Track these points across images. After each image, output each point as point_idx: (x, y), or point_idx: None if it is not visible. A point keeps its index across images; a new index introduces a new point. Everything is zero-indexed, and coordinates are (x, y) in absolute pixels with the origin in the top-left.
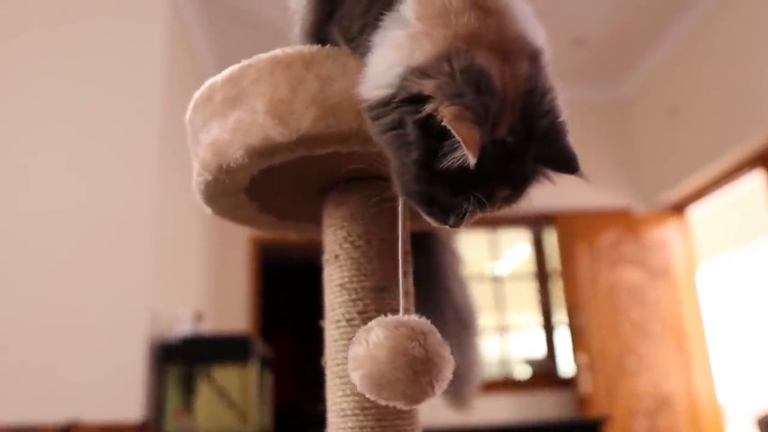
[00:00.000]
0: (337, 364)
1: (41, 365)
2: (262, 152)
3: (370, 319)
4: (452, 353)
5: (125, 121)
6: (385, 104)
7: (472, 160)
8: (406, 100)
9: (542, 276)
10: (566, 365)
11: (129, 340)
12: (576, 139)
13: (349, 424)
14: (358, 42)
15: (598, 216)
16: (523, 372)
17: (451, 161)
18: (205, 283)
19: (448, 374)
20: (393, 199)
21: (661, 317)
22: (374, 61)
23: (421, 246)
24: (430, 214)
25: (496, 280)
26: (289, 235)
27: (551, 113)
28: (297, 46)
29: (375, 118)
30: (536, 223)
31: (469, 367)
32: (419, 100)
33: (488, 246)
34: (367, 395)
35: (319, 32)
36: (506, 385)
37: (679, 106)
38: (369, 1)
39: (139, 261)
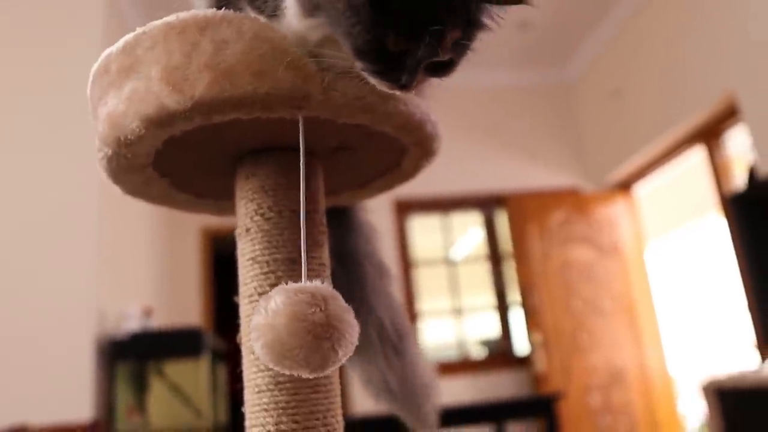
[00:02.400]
0: (250, 340)
1: None
2: (158, 121)
3: None
4: (393, 360)
5: (62, 113)
6: None
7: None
8: None
9: (495, 258)
10: (521, 344)
11: (75, 338)
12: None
13: (264, 400)
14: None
15: (548, 196)
16: (479, 353)
17: None
18: (155, 277)
19: (351, 339)
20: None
21: (612, 294)
22: None
23: (337, 222)
24: (382, 74)
25: (450, 263)
26: (208, 213)
27: None
28: (192, 11)
29: None
30: (487, 205)
31: (417, 380)
32: None
33: (441, 230)
34: (271, 366)
35: (219, 4)
36: (463, 366)
37: (622, 87)
38: None
39: (83, 257)
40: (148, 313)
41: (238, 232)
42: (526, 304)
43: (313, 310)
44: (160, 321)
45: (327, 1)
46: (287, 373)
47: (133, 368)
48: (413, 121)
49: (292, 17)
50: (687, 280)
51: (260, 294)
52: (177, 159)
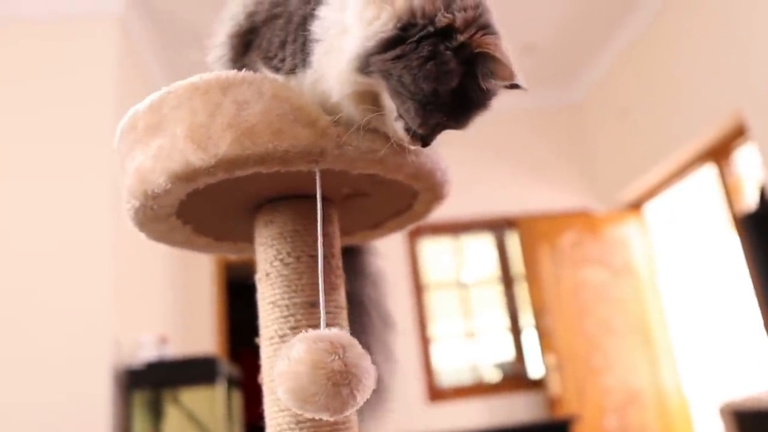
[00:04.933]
0: (272, 381)
1: (5, 396)
2: (184, 177)
3: None
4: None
5: (79, 145)
6: (397, 42)
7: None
8: (432, 35)
9: (507, 280)
10: (535, 367)
11: (93, 368)
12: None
13: None
14: (281, 57)
15: (559, 217)
16: (493, 376)
17: (497, 88)
18: (170, 306)
19: (369, 384)
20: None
21: (625, 314)
22: (342, 21)
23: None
24: (415, 137)
25: (462, 286)
26: (227, 254)
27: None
28: (215, 72)
29: (396, 57)
30: (498, 227)
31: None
32: (443, 32)
33: (453, 253)
34: (293, 409)
35: (235, 66)
36: (477, 389)
37: (630, 106)
38: (287, 16)
39: (99, 287)
40: (163, 341)
41: (258, 276)
42: (539, 326)
43: (332, 357)
44: (175, 349)
45: (392, 73)
46: (309, 416)
47: (150, 396)
48: (424, 170)
49: (332, 67)
50: (700, 299)
51: (281, 336)
52: (199, 207)
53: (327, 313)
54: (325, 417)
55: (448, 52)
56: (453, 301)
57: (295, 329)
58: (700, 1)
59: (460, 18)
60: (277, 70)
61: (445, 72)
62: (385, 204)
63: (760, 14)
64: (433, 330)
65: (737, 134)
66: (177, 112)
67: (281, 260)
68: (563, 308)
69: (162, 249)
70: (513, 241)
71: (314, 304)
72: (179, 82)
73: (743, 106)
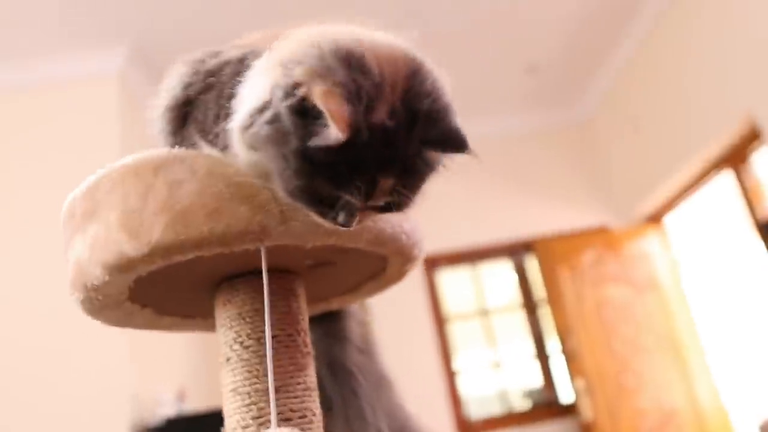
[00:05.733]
0: None
1: None
2: (119, 267)
3: (266, 423)
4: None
5: None
6: (261, 110)
7: (340, 136)
8: (283, 96)
9: (529, 305)
10: (565, 392)
11: (111, 425)
12: (544, 165)
13: None
14: (215, 132)
15: (576, 237)
16: (523, 404)
17: (324, 142)
18: (190, 359)
19: None
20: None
21: (654, 331)
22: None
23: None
24: (318, 212)
25: (484, 314)
26: (199, 330)
27: (435, 94)
28: (147, 151)
29: (250, 125)
30: (516, 252)
31: (406, 426)
32: (288, 94)
33: (472, 282)
34: None
35: (176, 139)
36: (508, 419)
37: (640, 117)
38: (220, 87)
39: (117, 342)
40: (181, 397)
41: (220, 361)
42: (565, 350)
43: None
44: (195, 403)
45: (261, 144)
46: None
47: None
48: (385, 236)
49: (237, 151)
50: (731, 308)
51: (243, 428)
52: (154, 291)
53: (294, 397)
54: None
55: (285, 110)
56: (476, 330)
57: (258, 419)
58: (704, 3)
59: (298, 72)
60: (213, 145)
61: (282, 132)
62: (355, 270)
63: None
64: (458, 361)
65: (752, 138)
66: (110, 197)
67: (240, 343)
68: (588, 329)
69: None
70: (532, 265)
71: (279, 390)
72: (114, 164)
73: (756, 108)
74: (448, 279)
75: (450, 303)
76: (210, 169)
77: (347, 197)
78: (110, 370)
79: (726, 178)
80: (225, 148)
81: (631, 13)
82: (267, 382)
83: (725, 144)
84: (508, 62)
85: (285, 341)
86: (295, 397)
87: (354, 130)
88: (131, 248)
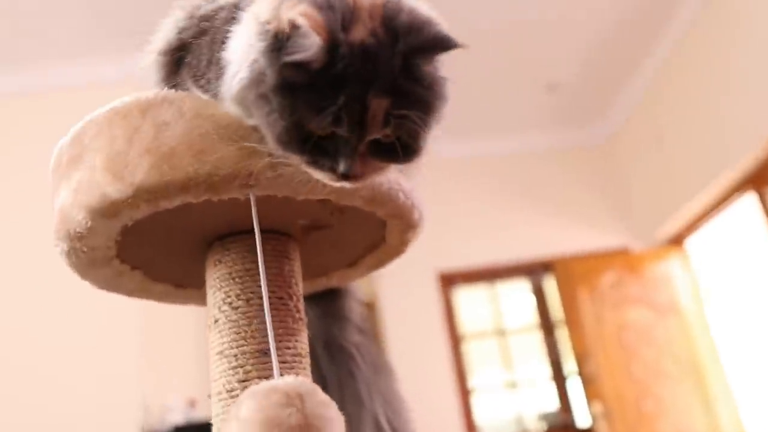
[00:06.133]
0: None
1: None
2: (103, 212)
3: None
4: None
5: None
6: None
7: (317, 41)
8: (256, 41)
9: (547, 326)
10: (582, 416)
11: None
12: (565, 184)
13: None
14: (207, 77)
15: (596, 258)
16: (538, 427)
17: (302, 54)
18: (200, 366)
19: None
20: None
21: (675, 355)
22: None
23: (324, 312)
24: (314, 162)
25: (501, 334)
26: (193, 304)
27: (414, 12)
28: (134, 94)
29: (235, 87)
30: (534, 272)
31: (402, 418)
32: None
33: (489, 301)
34: None
35: (168, 84)
36: None
37: (662, 139)
38: (213, 32)
39: (126, 350)
40: (191, 404)
41: (207, 324)
42: (583, 373)
43: (288, 411)
44: (205, 411)
45: (243, 94)
46: None
47: None
48: (381, 192)
49: (229, 107)
50: (755, 334)
51: (228, 392)
52: (144, 249)
53: (283, 362)
54: None
55: (259, 52)
56: (492, 350)
57: (245, 382)
58: (728, 23)
59: (266, 12)
60: (205, 91)
61: (260, 72)
62: (353, 237)
63: None
64: (473, 381)
65: None
66: (96, 142)
67: (230, 304)
68: (608, 352)
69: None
70: (550, 285)
71: (267, 353)
72: (101, 108)
73: None
74: (465, 297)
75: (466, 322)
76: (198, 111)
77: (340, 131)
78: (121, 377)
79: (749, 200)
80: (216, 95)
81: (653, 33)
82: (254, 344)
83: (748, 166)
84: (529, 80)
85: (276, 304)
86: (285, 362)
87: (331, 40)
88: (115, 190)
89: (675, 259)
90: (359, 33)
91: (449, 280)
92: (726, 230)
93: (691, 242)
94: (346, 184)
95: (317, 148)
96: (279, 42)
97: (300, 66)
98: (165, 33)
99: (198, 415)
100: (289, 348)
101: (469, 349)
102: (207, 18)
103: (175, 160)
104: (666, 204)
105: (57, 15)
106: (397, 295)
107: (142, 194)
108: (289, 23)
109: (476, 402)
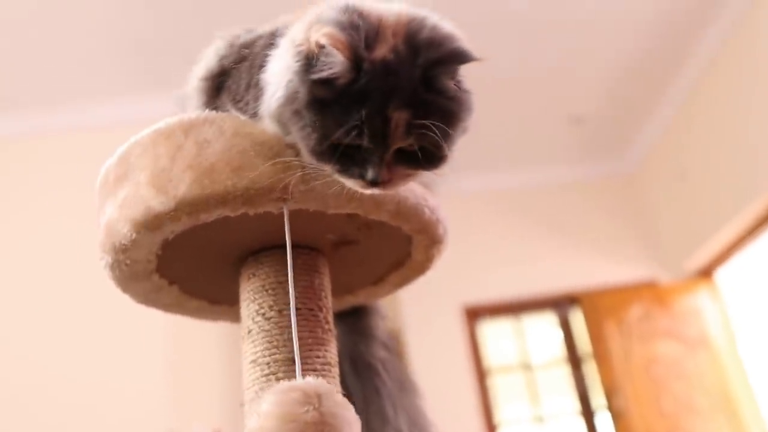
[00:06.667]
0: None
1: None
2: (146, 224)
3: None
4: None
5: None
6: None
7: (341, 60)
8: (292, 63)
9: (574, 360)
10: None
11: None
12: (590, 216)
13: None
14: (246, 99)
15: (624, 291)
16: None
17: (327, 71)
18: (228, 395)
19: None
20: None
21: (706, 390)
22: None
23: (351, 329)
24: (344, 171)
25: (527, 368)
26: (226, 320)
27: (435, 30)
28: (177, 116)
29: (273, 106)
30: (561, 305)
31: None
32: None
33: (514, 335)
34: None
35: (209, 108)
36: None
37: (688, 169)
38: (252, 58)
39: (152, 379)
40: None
41: (241, 335)
42: (611, 408)
43: (305, 409)
44: None
45: (280, 111)
46: None
47: None
48: (407, 206)
49: (267, 125)
50: None
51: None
52: (182, 264)
53: (312, 370)
54: None
55: (293, 72)
56: (518, 385)
57: None
58: (752, 52)
59: (300, 35)
60: (244, 112)
61: (294, 90)
62: (380, 254)
63: None
64: (499, 416)
65: None
66: (141, 160)
67: (263, 315)
68: (636, 387)
69: (217, 336)
70: (577, 319)
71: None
72: (145, 129)
73: None
74: (490, 331)
75: (491, 355)
76: (237, 130)
77: (364, 143)
78: (147, 405)
79: None
80: (254, 115)
81: (677, 65)
82: (286, 352)
83: None
84: (554, 113)
85: (306, 315)
86: (314, 370)
87: (354, 58)
88: (158, 203)
89: (704, 291)
90: (382, 50)
91: (474, 314)
92: (756, 261)
93: (721, 274)
94: (375, 191)
95: (347, 158)
96: (308, 62)
97: (327, 83)
98: (206, 61)
99: None
100: (318, 357)
101: (494, 383)
102: (247, 46)
103: (215, 174)
104: (694, 235)
105: (89, 53)
106: (421, 328)
107: (184, 207)
108: (316, 44)
109: None
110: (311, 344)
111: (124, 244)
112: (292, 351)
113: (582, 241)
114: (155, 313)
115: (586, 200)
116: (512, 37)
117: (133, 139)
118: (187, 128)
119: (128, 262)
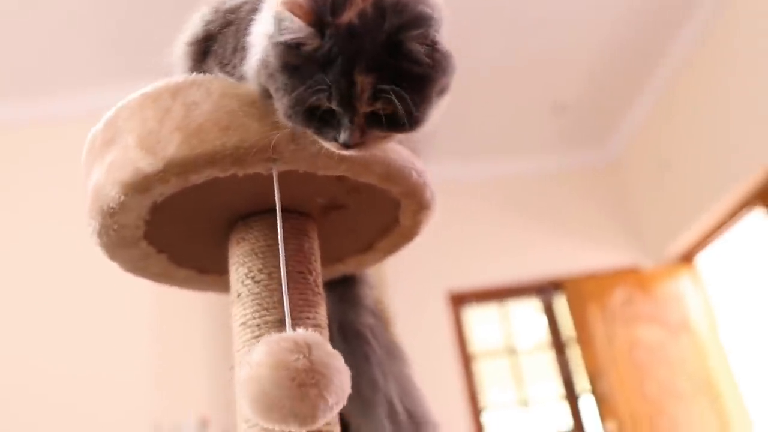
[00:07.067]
0: (241, 411)
1: None
2: (135, 186)
3: None
4: (392, 387)
5: None
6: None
7: (302, 26)
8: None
9: (558, 344)
10: None
11: None
12: (573, 203)
13: None
14: (233, 63)
15: (607, 276)
16: None
17: (291, 34)
18: (214, 386)
19: (341, 385)
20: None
21: (688, 373)
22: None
23: (339, 298)
24: (318, 132)
25: (512, 353)
26: (214, 290)
27: None
28: (165, 79)
29: (257, 62)
30: (545, 291)
31: (416, 402)
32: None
33: (499, 320)
34: (262, 423)
35: (195, 72)
36: None
37: (670, 156)
38: (238, 23)
39: (138, 369)
40: (204, 423)
41: (230, 300)
42: (595, 391)
43: (296, 357)
44: (219, 428)
45: (257, 73)
46: (278, 429)
47: None
48: (395, 169)
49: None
50: None
51: None
52: (170, 231)
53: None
54: (295, 428)
55: (267, 39)
56: (503, 370)
57: None
58: (733, 41)
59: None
60: (231, 75)
61: (268, 54)
62: (368, 219)
63: None
64: (485, 401)
65: None
66: (129, 123)
67: (252, 278)
68: (620, 371)
69: (203, 323)
70: (561, 304)
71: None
72: (132, 94)
73: None
74: (475, 316)
75: (476, 341)
76: (225, 91)
77: (333, 106)
78: (133, 396)
79: (758, 216)
80: (241, 78)
81: (659, 53)
82: (276, 314)
83: (756, 182)
84: (536, 101)
85: (296, 278)
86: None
87: (318, 23)
88: (147, 164)
89: (686, 276)
90: (348, 14)
91: (459, 300)
92: (736, 246)
93: (702, 259)
94: (351, 152)
95: (321, 121)
96: (277, 26)
97: (294, 47)
98: (192, 26)
99: None
100: (309, 318)
101: (480, 368)
102: (232, 11)
103: (204, 135)
104: (675, 221)
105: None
106: (407, 314)
107: (173, 167)
108: (282, 9)
109: (488, 421)
110: (302, 306)
111: (112, 208)
112: (282, 313)
113: (566, 228)
114: (141, 290)
115: (570, 188)
116: (495, 26)
117: (120, 104)
118: (175, 91)
119: (116, 227)
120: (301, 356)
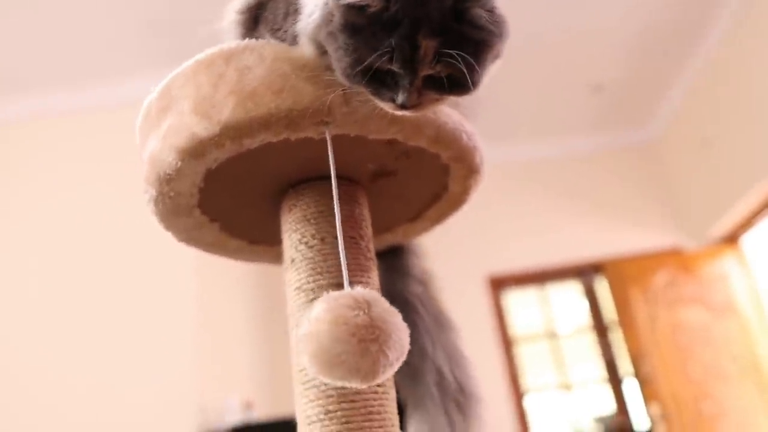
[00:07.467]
0: (299, 371)
1: None
2: (191, 151)
3: None
4: (438, 353)
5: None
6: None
7: None
8: None
9: (600, 327)
10: (640, 418)
11: None
12: (613, 185)
13: (316, 431)
14: (285, 28)
15: (648, 258)
16: (594, 430)
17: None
18: (257, 365)
19: (400, 340)
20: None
21: (734, 356)
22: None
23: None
24: (376, 92)
25: (553, 337)
26: (265, 261)
27: None
28: (218, 46)
29: (309, 25)
30: (585, 273)
31: (465, 372)
32: None
33: (540, 304)
34: (322, 378)
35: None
36: None
37: (712, 135)
38: None
39: (182, 350)
40: (248, 405)
41: (284, 265)
42: (638, 374)
43: (355, 313)
44: (263, 410)
45: (316, 32)
46: (339, 384)
47: None
48: (446, 131)
49: (305, 49)
50: None
51: None
52: (223, 199)
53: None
54: (357, 383)
55: None
56: (544, 353)
57: None
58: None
59: None
60: (282, 40)
61: (329, 12)
62: (417, 186)
63: None
64: (526, 385)
65: None
66: (183, 90)
67: (306, 243)
68: (663, 353)
69: (246, 307)
70: (602, 287)
71: (341, 286)
72: (186, 62)
73: None
74: (515, 300)
75: (517, 325)
76: (277, 55)
77: (395, 68)
78: (177, 378)
79: None
80: (293, 43)
81: (699, 31)
82: (330, 278)
83: None
84: (575, 82)
85: (349, 243)
86: None
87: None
88: (202, 128)
89: (730, 257)
90: None
91: (499, 283)
92: None
93: (747, 240)
94: (406, 113)
95: (378, 81)
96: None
97: (359, 8)
98: None
99: (255, 416)
100: (362, 282)
101: (520, 352)
102: None
103: (257, 98)
104: (719, 201)
105: (115, 31)
106: (446, 299)
107: (228, 131)
108: None
109: (530, 405)
110: (354, 270)
111: (168, 174)
112: (336, 277)
113: (606, 210)
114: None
115: (610, 169)
116: (532, 7)
117: (173, 73)
118: (228, 56)
119: (172, 194)
120: (360, 312)
